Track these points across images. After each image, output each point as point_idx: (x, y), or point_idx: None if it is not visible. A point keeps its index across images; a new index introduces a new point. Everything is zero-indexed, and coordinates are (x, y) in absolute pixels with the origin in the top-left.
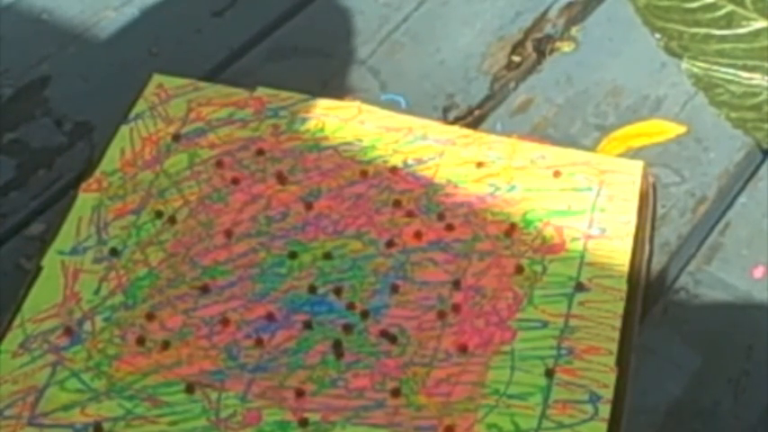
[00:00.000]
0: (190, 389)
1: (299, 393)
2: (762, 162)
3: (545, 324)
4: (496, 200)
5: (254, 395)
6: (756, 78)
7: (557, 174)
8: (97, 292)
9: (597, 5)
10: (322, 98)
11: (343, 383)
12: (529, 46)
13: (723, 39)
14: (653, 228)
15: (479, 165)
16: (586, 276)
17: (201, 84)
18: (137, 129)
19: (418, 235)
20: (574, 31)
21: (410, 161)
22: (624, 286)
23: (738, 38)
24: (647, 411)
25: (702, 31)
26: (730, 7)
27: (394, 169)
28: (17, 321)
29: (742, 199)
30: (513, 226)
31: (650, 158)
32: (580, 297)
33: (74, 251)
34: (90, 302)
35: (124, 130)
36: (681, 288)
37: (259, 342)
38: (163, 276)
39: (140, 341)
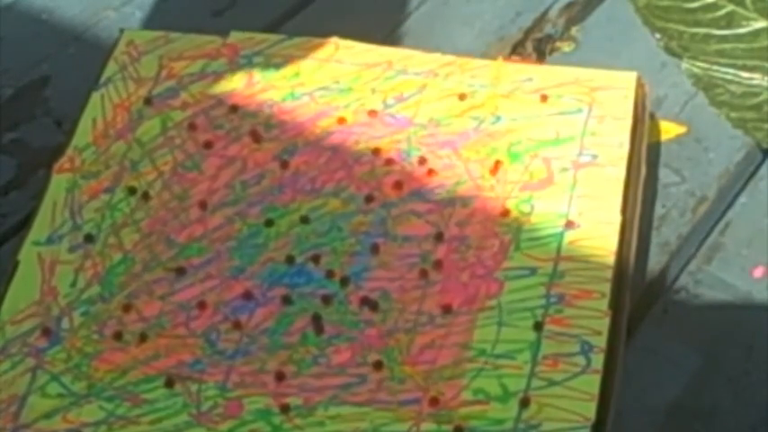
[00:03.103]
0: (170, 383)
1: (280, 377)
2: (762, 162)
3: (533, 271)
4: (480, 134)
5: (233, 383)
6: (756, 78)
7: (544, 98)
8: (74, 284)
9: (597, 5)
10: (297, 37)
11: (325, 361)
12: (529, 46)
13: (723, 39)
14: (650, 144)
15: (462, 96)
16: (577, 211)
17: (174, 35)
18: (108, 95)
19: (399, 185)
20: (574, 31)
21: (390, 100)
22: (618, 218)
23: (738, 38)
24: (647, 411)
25: (702, 31)
26: (730, 7)
27: (373, 112)
28: None
29: (742, 199)
30: (497, 163)
31: (650, 158)
32: (570, 236)
33: (50, 240)
34: (67, 297)
35: (95, 97)
36: (681, 288)
37: (237, 324)
38: (138, 260)
39: (117, 336)
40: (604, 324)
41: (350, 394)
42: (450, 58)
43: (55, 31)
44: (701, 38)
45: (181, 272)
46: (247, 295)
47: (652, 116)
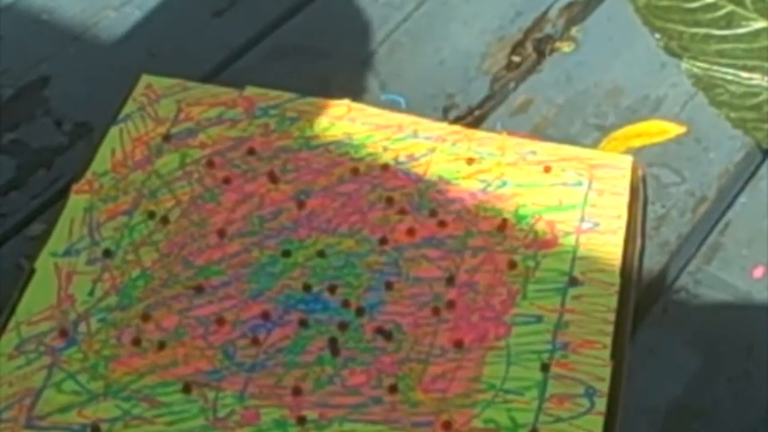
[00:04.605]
0: (187, 389)
1: (297, 391)
2: (762, 162)
3: (539, 319)
4: (488, 196)
5: (251, 394)
6: (756, 78)
7: (547, 169)
8: (91, 293)
9: (597, 5)
10: (310, 97)
11: (340, 381)
12: (529, 46)
13: (723, 39)
14: (644, 221)
15: (470, 161)
16: (579, 270)
17: (190, 84)
18: (126, 129)
19: (411, 232)
20: (574, 31)
21: (401, 158)
22: (617, 280)
23: (738, 38)
24: (647, 411)
25: (702, 31)
26: (730, 7)
27: (385, 167)
28: (11, 324)
29: (742, 199)
30: (505, 221)
31: (650, 158)
32: (574, 291)
33: (67, 253)
34: (84, 304)
35: (114, 131)
36: (681, 288)
37: (255, 341)
38: (157, 277)
39: (136, 342)
40: (606, 372)
41: (365, 413)
42: (456, 127)
43: (55, 31)
44: (701, 38)
45: (199, 290)
46: (265, 315)
47: (645, 201)
